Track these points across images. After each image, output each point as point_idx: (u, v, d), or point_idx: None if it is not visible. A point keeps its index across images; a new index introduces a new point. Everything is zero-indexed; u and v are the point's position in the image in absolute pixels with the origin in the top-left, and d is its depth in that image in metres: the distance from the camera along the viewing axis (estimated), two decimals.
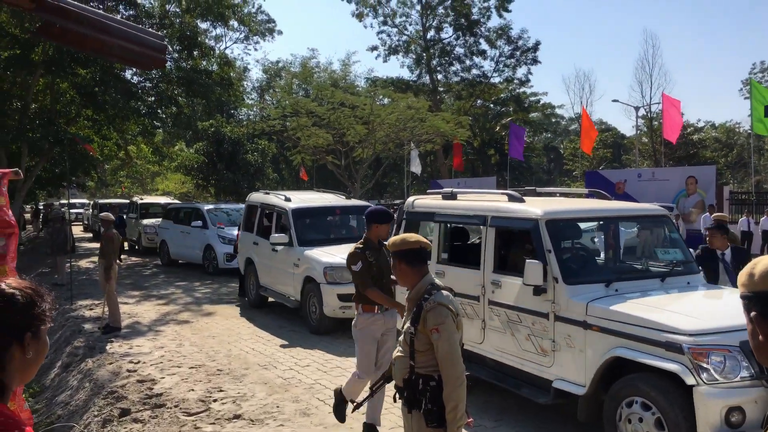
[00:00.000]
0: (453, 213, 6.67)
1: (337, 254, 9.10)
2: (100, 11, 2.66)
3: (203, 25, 25.35)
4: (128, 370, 7.58)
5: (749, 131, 46.94)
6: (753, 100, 22.63)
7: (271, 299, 11.27)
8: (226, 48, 41.63)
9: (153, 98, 22.18)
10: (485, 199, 6.65)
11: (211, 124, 31.48)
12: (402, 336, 3.41)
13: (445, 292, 3.32)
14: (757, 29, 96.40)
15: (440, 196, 7.07)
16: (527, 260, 5.28)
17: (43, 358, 1.67)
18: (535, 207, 5.72)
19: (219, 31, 34.87)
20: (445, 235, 7.06)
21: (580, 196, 8.08)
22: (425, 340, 3.23)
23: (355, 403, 3.89)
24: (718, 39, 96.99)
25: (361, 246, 5.28)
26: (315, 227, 10.75)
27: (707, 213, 19.00)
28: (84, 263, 18.84)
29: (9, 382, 1.58)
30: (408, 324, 3.35)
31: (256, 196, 12.05)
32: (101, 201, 29.63)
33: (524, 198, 6.16)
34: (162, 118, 23.72)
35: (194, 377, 7.24)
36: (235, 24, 28.60)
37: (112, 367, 7.76)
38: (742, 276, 1.53)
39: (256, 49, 71.91)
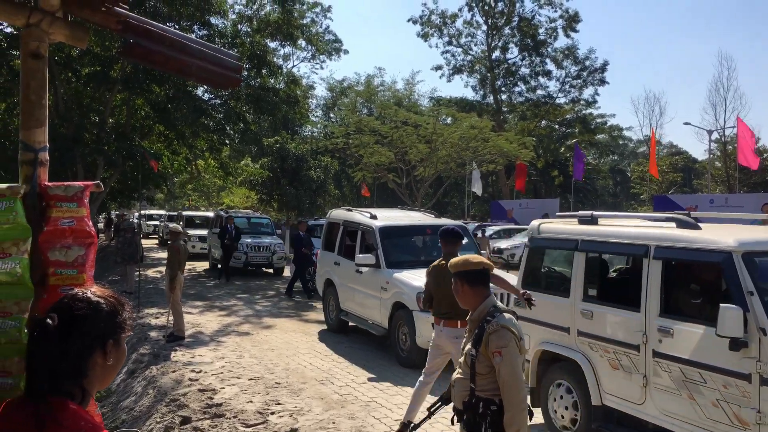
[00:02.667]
0: (602, 240, 5.59)
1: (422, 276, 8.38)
2: (179, 32, 2.78)
3: (272, 44, 26.07)
4: (190, 379, 7.76)
5: None
6: None
7: (352, 324, 10.40)
8: (293, 66, 42.57)
9: (222, 115, 22.91)
10: (643, 225, 5.54)
11: (277, 140, 32.27)
12: (463, 357, 3.38)
13: (507, 315, 3.28)
14: None
15: (575, 219, 6.06)
16: (722, 305, 4.17)
17: (121, 365, 1.72)
18: (722, 235, 4.61)
19: (287, 50, 35.72)
20: (591, 267, 5.86)
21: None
22: (487, 362, 3.19)
23: (412, 425, 3.87)
24: None
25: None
26: (404, 248, 9.88)
27: None
28: (152, 272, 19.50)
29: (90, 387, 1.63)
30: (469, 345, 3.32)
31: (338, 213, 11.47)
32: (187, 213, 29.61)
33: (699, 224, 5.05)
34: (230, 134, 24.46)
35: (253, 389, 7.35)
36: (303, 43, 29.28)
37: (175, 375, 7.97)
38: None
39: (322, 68, 73.77)
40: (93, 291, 1.68)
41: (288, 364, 8.62)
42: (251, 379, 7.77)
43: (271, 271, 20.43)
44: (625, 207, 65.37)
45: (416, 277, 8.43)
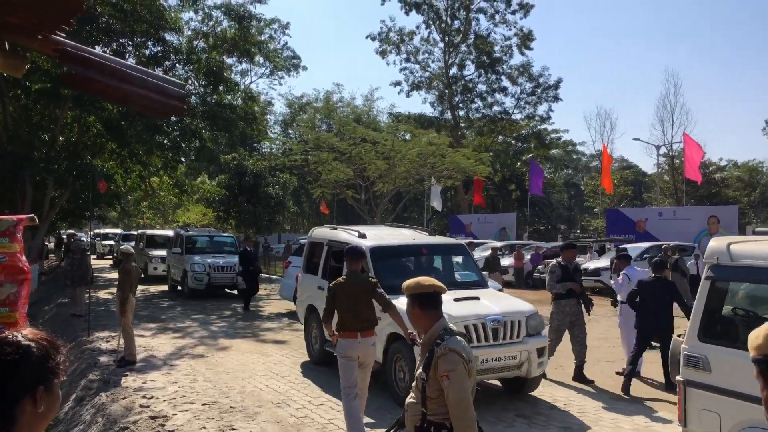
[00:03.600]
0: None
1: None
2: (120, 60, 2.71)
3: (229, 61, 25.86)
4: (141, 406, 7.56)
5: None
6: None
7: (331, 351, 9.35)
8: (251, 83, 42.42)
9: (177, 132, 22.57)
10: None
11: (234, 157, 31.96)
12: (415, 382, 3.37)
13: (459, 338, 3.27)
14: None
15: None
16: None
17: (55, 412, 1.63)
18: None
19: (244, 66, 35.55)
20: None
21: None
22: (437, 386, 3.18)
23: None
24: (740, 78, 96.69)
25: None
26: (398, 270, 8.78)
27: None
28: (103, 294, 19.01)
29: None
30: (420, 369, 3.31)
31: (321, 232, 10.34)
32: (149, 232, 27.40)
33: None
34: (185, 151, 24.10)
35: (207, 414, 7.19)
36: (261, 60, 29.16)
37: (125, 402, 7.75)
38: (760, 338, 1.45)
39: (280, 84, 73.28)
40: (24, 334, 1.60)
41: (244, 387, 8.47)
42: (205, 404, 7.61)
43: (235, 292, 19.25)
44: (579, 220, 66.71)
45: None
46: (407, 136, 30.44)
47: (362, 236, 8.98)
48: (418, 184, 26.96)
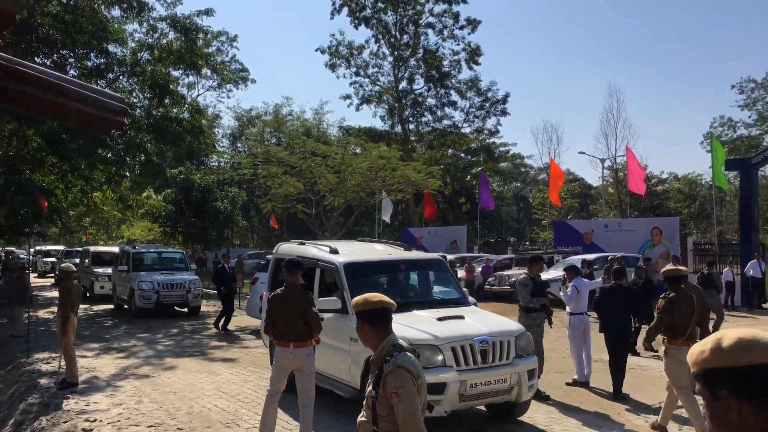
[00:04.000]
0: None
1: (414, 325, 6.86)
2: (58, 74, 2.62)
3: (175, 73, 25.48)
4: (84, 429, 7.29)
5: (710, 183, 48.33)
6: (714, 155, 23.35)
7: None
8: (197, 95, 41.78)
9: (121, 146, 22.06)
10: None
11: (181, 171, 31.39)
12: (365, 400, 3.34)
13: (408, 354, 3.26)
14: (717, 85, 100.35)
15: None
16: None
17: None
18: None
19: (191, 78, 35.05)
20: None
21: None
22: (387, 404, 3.15)
23: None
24: (681, 94, 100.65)
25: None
26: (375, 288, 8.15)
27: (672, 264, 19.25)
28: (43, 313, 18.33)
29: None
30: (370, 388, 3.28)
31: (288, 248, 9.58)
32: (94, 249, 25.33)
33: None
34: (130, 165, 23.57)
35: None
36: (208, 72, 28.81)
37: (66, 426, 7.46)
38: (705, 352, 1.42)
39: (228, 97, 72.59)
40: None
41: (191, 407, 8.26)
42: (151, 426, 7.39)
43: (185, 310, 18.63)
44: (528, 232, 67.92)
45: (397, 325, 6.62)
46: (358, 150, 30.48)
47: (334, 252, 8.32)
48: (369, 197, 27.00)
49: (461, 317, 7.29)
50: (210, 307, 19.94)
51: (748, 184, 22.26)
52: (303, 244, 9.46)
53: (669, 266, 7.74)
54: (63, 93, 2.40)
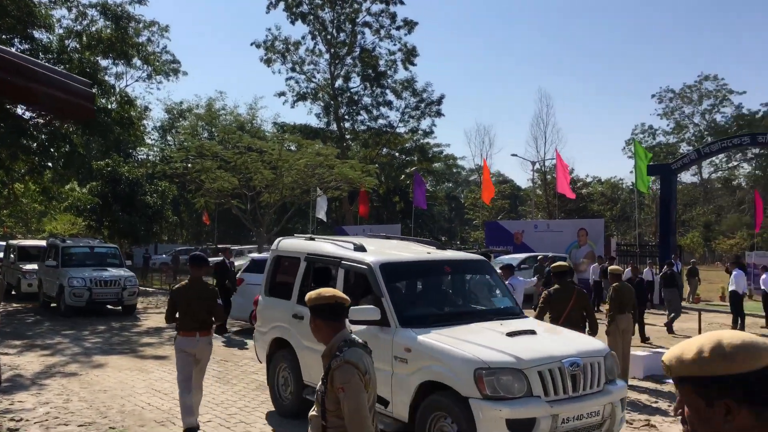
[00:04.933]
0: None
1: (484, 343, 5.58)
2: (22, 54, 2.49)
3: (104, 62, 24.55)
4: (9, 429, 6.96)
5: (631, 187, 50.54)
6: (636, 159, 24.41)
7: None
8: (126, 86, 40.41)
9: (45, 136, 21.08)
10: None
11: (108, 163, 30.26)
12: (315, 394, 3.35)
13: (358, 349, 3.26)
14: (639, 93, 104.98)
15: None
16: None
17: None
18: None
19: (120, 68, 33.87)
20: None
21: None
22: (334, 398, 3.16)
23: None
24: (606, 101, 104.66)
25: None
26: (420, 295, 7.18)
27: (596, 263, 20.04)
28: None
29: None
30: (320, 383, 3.29)
31: (295, 244, 7.96)
32: (22, 243, 23.54)
33: None
34: (53, 156, 22.54)
35: None
36: (138, 63, 27.89)
37: None
38: (705, 356, 1.35)
39: (159, 89, 70.39)
40: None
41: (123, 406, 8.02)
42: (81, 426, 7.14)
43: (119, 309, 17.62)
44: (459, 232, 69.09)
45: (463, 342, 5.58)
46: (293, 147, 30.24)
47: (360, 249, 6.82)
48: (304, 194, 26.82)
49: (533, 332, 6.04)
50: (145, 304, 19.35)
51: (667, 188, 23.42)
52: (313, 239, 7.89)
53: (594, 265, 8.40)
54: (29, 75, 2.27)
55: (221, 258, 15.09)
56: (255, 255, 18.66)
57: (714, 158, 51.24)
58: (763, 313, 16.30)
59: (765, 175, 56.15)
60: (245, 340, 13.00)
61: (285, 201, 22.73)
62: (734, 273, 15.58)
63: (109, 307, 17.92)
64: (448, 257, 7.33)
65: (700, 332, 12.08)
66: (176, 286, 6.97)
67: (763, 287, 16.12)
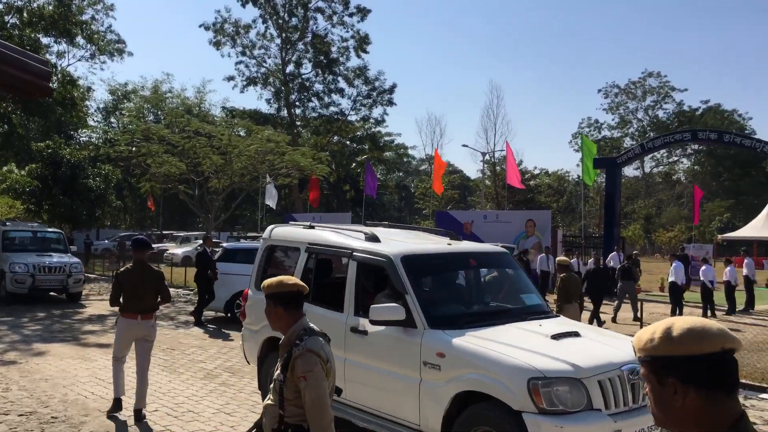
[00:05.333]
0: None
1: (532, 348, 4.96)
2: None
3: (45, 40, 23.64)
4: None
5: (577, 179, 51.80)
6: (583, 152, 24.98)
7: (343, 417, 5.84)
8: (69, 65, 38.99)
9: None
10: None
11: (48, 145, 29.17)
12: (272, 384, 3.32)
13: (319, 338, 3.24)
14: (587, 88, 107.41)
15: None
16: None
17: None
18: None
19: (63, 47, 32.61)
20: None
21: None
22: (294, 388, 3.14)
23: None
24: (554, 94, 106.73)
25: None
26: (447, 292, 6.37)
27: (543, 254, 20.48)
28: None
29: None
30: (278, 371, 3.26)
31: (292, 233, 7.13)
32: None
33: None
34: None
35: (24, 426, 6.52)
36: (82, 41, 26.97)
37: None
38: (655, 339, 1.46)
39: (102, 69, 68.31)
40: None
41: (66, 395, 7.79)
42: (22, 415, 6.89)
43: (63, 297, 16.91)
44: (409, 221, 69.49)
45: (505, 346, 4.96)
46: (242, 132, 29.80)
47: (372, 239, 6.07)
48: (253, 181, 26.47)
49: (577, 334, 5.41)
50: (87, 291, 18.75)
51: (612, 181, 24.05)
52: (313, 227, 7.04)
53: (542, 255, 8.45)
54: None
55: (202, 247, 14.49)
56: (228, 244, 18.23)
57: (656, 153, 52.92)
58: (701, 304, 16.98)
59: (703, 171, 58.37)
60: (224, 330, 12.95)
61: (234, 187, 22.37)
62: (674, 264, 16.19)
63: (52, 294, 17.25)
64: (472, 249, 6.78)
65: (640, 322, 12.49)
66: (122, 269, 7.15)
67: (702, 278, 16.78)
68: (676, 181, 60.43)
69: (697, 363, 1.41)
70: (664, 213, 54.97)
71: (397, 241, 6.26)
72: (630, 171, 59.53)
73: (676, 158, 60.76)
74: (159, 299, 7.03)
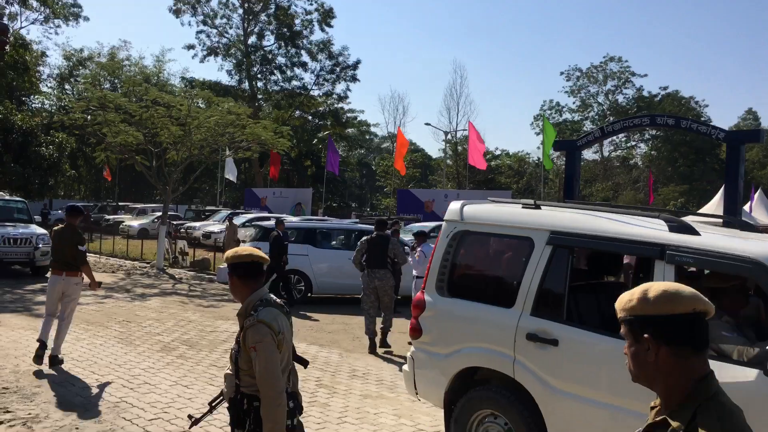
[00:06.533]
0: None
1: None
2: None
3: None
4: None
5: (537, 161, 52.50)
6: (545, 135, 25.27)
7: None
8: (21, 28, 37.54)
9: None
10: None
11: None
12: (230, 353, 3.33)
13: (273, 309, 3.25)
14: (548, 69, 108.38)
15: None
16: None
17: None
18: None
19: (15, 8, 31.38)
20: None
21: None
22: (247, 358, 3.15)
23: (193, 419, 3.68)
24: (517, 76, 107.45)
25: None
26: None
27: None
28: None
29: None
30: (234, 342, 3.28)
31: (511, 214, 4.85)
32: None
33: None
34: None
35: None
36: (35, 4, 25.98)
37: None
38: (633, 300, 1.63)
39: (57, 33, 65.91)
40: None
41: (17, 366, 7.65)
42: None
43: (29, 271, 16.05)
44: (370, 199, 69.54)
45: None
46: (202, 104, 29.23)
47: (686, 230, 4.05)
48: (213, 154, 26.02)
49: None
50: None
51: (572, 164, 24.36)
52: (538, 206, 4.82)
53: None
54: None
55: (275, 231, 13.19)
56: (265, 223, 16.91)
57: (615, 137, 53.94)
58: None
59: (659, 156, 59.72)
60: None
61: (193, 160, 22.00)
62: None
63: (16, 267, 16.33)
64: None
65: None
66: (54, 228, 8.18)
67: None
68: (633, 165, 61.74)
69: (670, 322, 1.57)
70: (621, 196, 56.20)
71: (731, 234, 4.35)
72: (589, 154, 60.58)
73: (634, 143, 62.02)
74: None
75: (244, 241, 16.01)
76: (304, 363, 3.60)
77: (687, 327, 1.57)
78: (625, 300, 1.65)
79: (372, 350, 9.21)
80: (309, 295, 13.57)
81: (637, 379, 1.65)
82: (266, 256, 3.48)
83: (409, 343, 7.76)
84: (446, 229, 5.17)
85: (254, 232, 15.75)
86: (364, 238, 9.79)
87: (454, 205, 5.25)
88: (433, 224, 21.88)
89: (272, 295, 3.42)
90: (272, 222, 15.11)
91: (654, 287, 1.62)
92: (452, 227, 5.13)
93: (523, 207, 4.89)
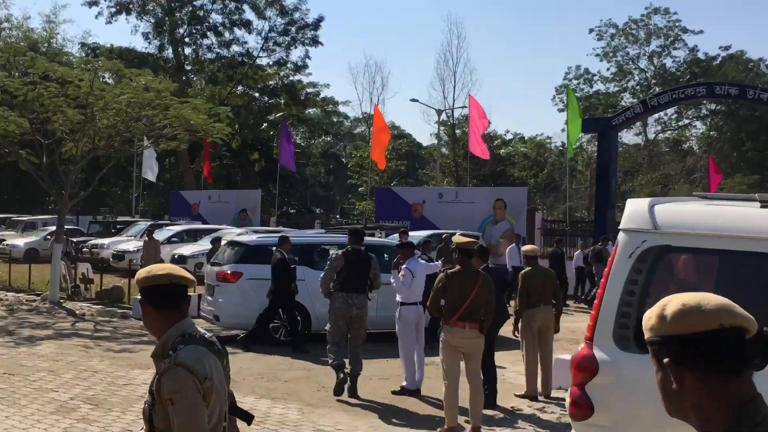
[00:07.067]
0: None
1: None
2: None
3: None
4: None
5: (561, 148, 52.85)
6: (569, 112, 25.40)
7: None
8: None
9: None
10: None
11: None
12: (143, 407, 3.26)
13: (199, 348, 3.14)
14: (575, 28, 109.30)
15: None
16: None
17: None
18: None
19: None
20: None
21: None
22: (164, 414, 3.07)
23: None
24: (533, 35, 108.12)
25: None
26: None
27: (513, 244, 20.26)
28: None
29: None
30: (147, 393, 3.20)
31: (741, 219, 4.42)
32: None
33: None
34: None
35: None
36: None
37: None
38: (652, 318, 1.70)
39: None
40: None
41: None
42: None
43: None
44: (340, 201, 69.48)
45: None
46: (109, 78, 28.95)
47: None
48: (126, 146, 25.85)
49: None
50: None
51: (606, 148, 24.64)
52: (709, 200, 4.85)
53: (528, 246, 8.53)
54: None
55: (278, 252, 13.10)
56: (252, 238, 16.95)
57: (662, 113, 54.44)
58: None
59: (721, 138, 60.30)
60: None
61: (98, 154, 21.76)
62: None
63: None
64: None
65: None
66: None
67: None
68: (687, 151, 62.35)
69: (688, 343, 1.62)
70: (672, 191, 56.77)
71: None
72: (629, 137, 61.14)
73: (687, 121, 62.72)
74: None
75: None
76: (248, 418, 3.51)
77: (707, 347, 1.61)
78: (646, 318, 1.73)
79: (339, 391, 9.33)
80: (306, 332, 13.39)
81: (671, 413, 1.70)
82: (191, 276, 3.40)
83: (394, 392, 7.61)
84: (628, 244, 4.54)
85: (230, 252, 14.86)
86: (339, 251, 9.90)
87: (637, 206, 4.70)
88: (424, 233, 21.87)
89: (199, 328, 3.34)
90: (252, 237, 14.95)
91: (674, 301, 1.68)
92: (639, 240, 4.50)
93: (762, 206, 4.33)
